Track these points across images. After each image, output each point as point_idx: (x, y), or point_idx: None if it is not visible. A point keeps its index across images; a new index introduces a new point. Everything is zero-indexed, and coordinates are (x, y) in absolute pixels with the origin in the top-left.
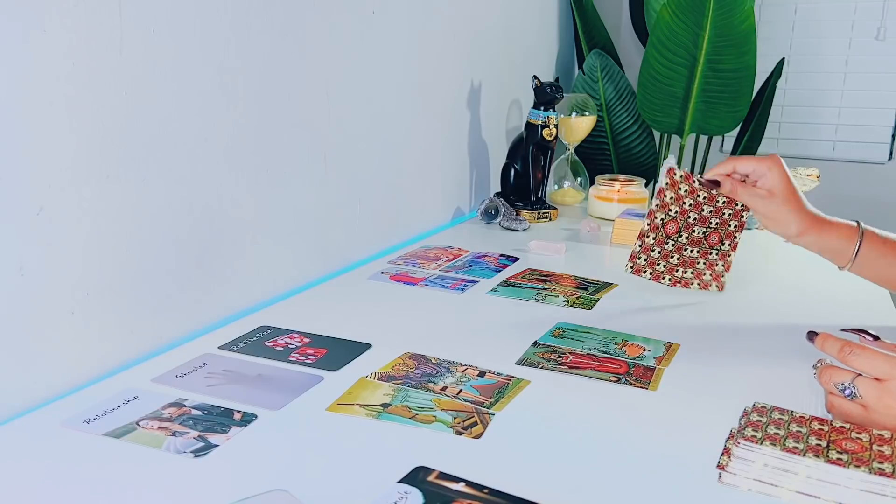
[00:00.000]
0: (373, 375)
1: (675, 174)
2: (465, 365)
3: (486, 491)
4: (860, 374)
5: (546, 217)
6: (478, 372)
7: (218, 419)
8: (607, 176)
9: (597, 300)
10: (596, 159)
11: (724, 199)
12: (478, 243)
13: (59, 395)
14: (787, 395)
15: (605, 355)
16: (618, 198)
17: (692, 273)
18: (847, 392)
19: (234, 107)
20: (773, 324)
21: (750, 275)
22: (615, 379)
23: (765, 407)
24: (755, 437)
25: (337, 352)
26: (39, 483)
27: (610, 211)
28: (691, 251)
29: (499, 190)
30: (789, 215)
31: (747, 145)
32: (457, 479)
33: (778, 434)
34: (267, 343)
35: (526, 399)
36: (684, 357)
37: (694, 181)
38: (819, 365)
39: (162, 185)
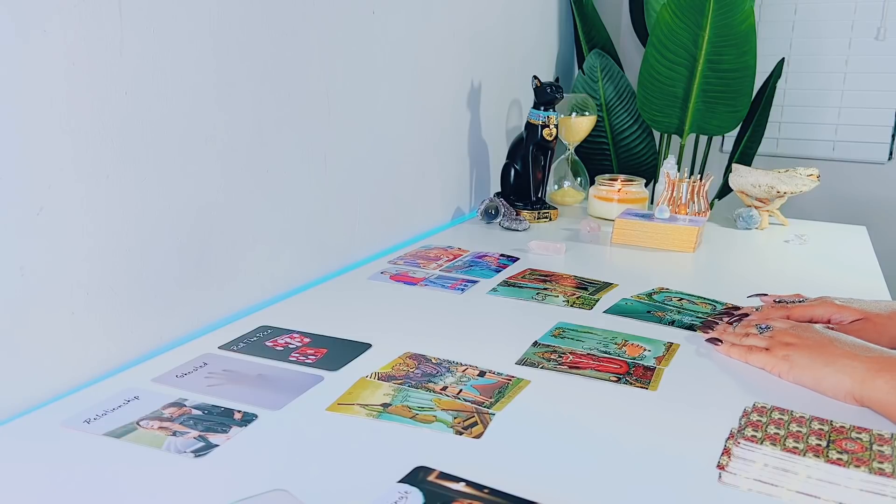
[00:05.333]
0: (373, 375)
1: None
2: (466, 365)
3: (486, 491)
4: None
5: (546, 217)
6: (478, 372)
7: (218, 419)
8: (607, 176)
9: (597, 300)
10: (596, 159)
11: None
12: (478, 243)
13: (59, 395)
14: (787, 395)
15: (605, 355)
16: (618, 198)
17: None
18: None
19: (234, 107)
20: None
21: (750, 274)
22: (615, 379)
23: (765, 407)
24: (755, 436)
25: (337, 352)
26: (39, 483)
27: (610, 211)
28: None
29: (499, 190)
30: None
31: (747, 145)
32: (457, 479)
33: (778, 434)
34: (267, 343)
35: (526, 399)
36: (684, 357)
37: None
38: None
39: (162, 184)
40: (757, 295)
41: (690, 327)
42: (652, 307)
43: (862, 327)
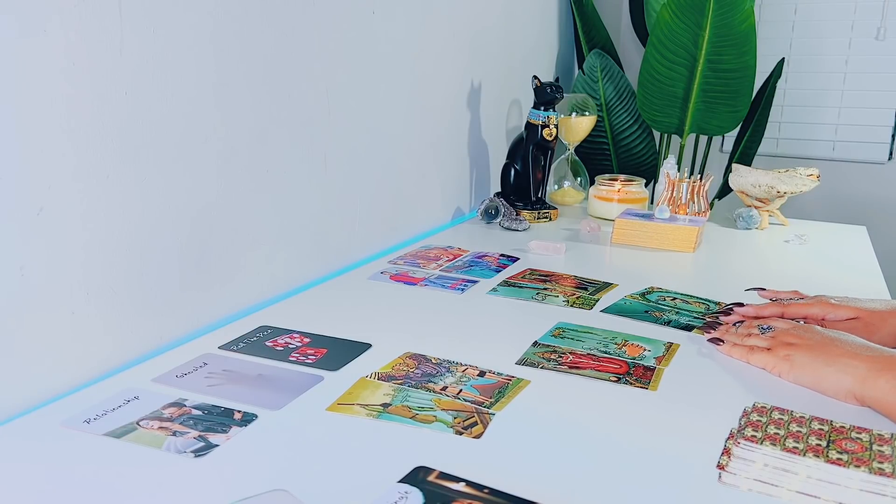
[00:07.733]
0: (373, 375)
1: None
2: (465, 365)
3: (486, 491)
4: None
5: (546, 217)
6: (478, 372)
7: (218, 419)
8: (607, 176)
9: (597, 300)
10: (596, 159)
11: None
12: (478, 243)
13: (59, 395)
14: (787, 395)
15: (605, 355)
16: (618, 198)
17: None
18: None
19: (234, 106)
20: None
21: (750, 274)
22: (615, 379)
23: (765, 407)
24: (755, 436)
25: (337, 352)
26: (39, 483)
27: (610, 211)
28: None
29: (499, 190)
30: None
31: (747, 145)
32: (457, 479)
33: (778, 434)
34: (267, 343)
35: (526, 399)
36: (684, 357)
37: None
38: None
39: (162, 184)
40: (754, 289)
41: (687, 327)
42: (649, 307)
43: (853, 325)
